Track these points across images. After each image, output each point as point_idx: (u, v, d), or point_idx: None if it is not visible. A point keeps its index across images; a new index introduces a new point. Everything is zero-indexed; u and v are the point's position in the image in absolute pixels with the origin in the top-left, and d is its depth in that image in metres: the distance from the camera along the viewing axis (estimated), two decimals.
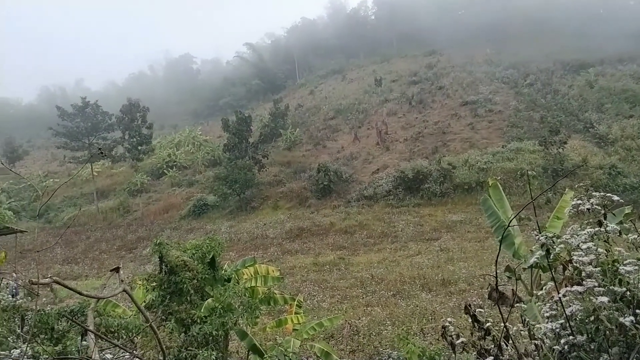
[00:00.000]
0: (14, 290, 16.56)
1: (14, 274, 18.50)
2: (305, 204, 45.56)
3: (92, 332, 2.61)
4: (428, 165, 43.03)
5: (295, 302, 11.94)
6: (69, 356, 2.93)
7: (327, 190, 45.37)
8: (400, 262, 27.14)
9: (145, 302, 10.82)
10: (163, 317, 10.59)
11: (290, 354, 8.84)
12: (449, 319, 3.48)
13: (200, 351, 8.92)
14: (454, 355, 3.34)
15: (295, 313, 11.63)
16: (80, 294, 2.59)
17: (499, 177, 11.07)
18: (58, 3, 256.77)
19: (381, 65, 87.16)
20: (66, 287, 2.55)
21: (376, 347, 14.19)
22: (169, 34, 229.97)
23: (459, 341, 3.29)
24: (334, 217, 40.22)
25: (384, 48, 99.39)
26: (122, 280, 2.98)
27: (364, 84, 77.84)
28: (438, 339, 13.98)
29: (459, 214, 35.99)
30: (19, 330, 8.26)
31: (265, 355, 9.41)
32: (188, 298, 10.65)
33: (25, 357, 3.62)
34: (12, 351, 3.87)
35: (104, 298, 3.36)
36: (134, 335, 7.78)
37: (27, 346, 4.51)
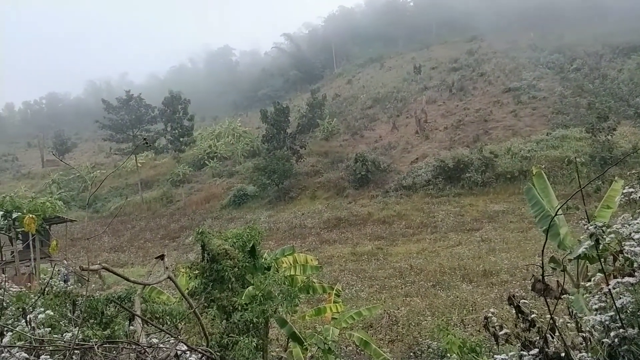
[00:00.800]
0: (65, 277, 17.34)
1: (65, 261, 19.36)
2: (342, 194, 45.54)
3: (138, 316, 2.71)
4: (469, 154, 42.10)
5: (334, 291, 12.01)
6: (118, 339, 3.06)
7: (365, 180, 45.17)
8: (440, 252, 26.80)
9: (188, 289, 11.12)
10: (205, 304, 10.86)
11: (329, 342, 8.90)
12: (491, 310, 3.42)
13: (242, 338, 9.10)
14: (496, 346, 3.27)
15: (334, 302, 11.70)
16: (127, 280, 2.69)
17: (543, 166, 10.71)
18: (102, 1, 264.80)
19: (420, 52, 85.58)
20: (114, 273, 2.65)
21: (415, 338, 14.12)
22: (209, 27, 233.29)
23: (502, 332, 3.22)
24: (371, 207, 40.05)
25: (423, 35, 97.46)
26: (166, 268, 3.06)
27: (403, 71, 76.71)
28: (479, 331, 13.77)
29: (501, 204, 35.14)
30: (70, 315, 8.60)
31: (305, 343, 9.50)
32: (229, 286, 10.88)
33: (76, 340, 3.77)
34: (64, 334, 4.06)
35: (149, 284, 3.47)
36: (178, 321, 8.01)
37: (78, 330, 4.70)
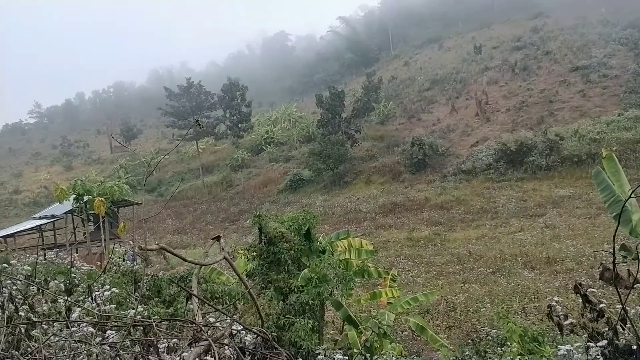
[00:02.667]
0: (132, 257, 18.27)
1: (132, 242, 20.38)
2: (398, 178, 44.97)
3: (195, 296, 2.78)
4: (533, 137, 40.26)
5: (390, 276, 11.93)
6: (175, 317, 3.16)
7: (422, 165, 44.33)
8: (501, 239, 25.97)
9: (246, 270, 11.42)
10: (263, 285, 11.10)
11: (385, 326, 8.85)
12: (555, 298, 3.24)
13: (298, 319, 9.25)
14: (561, 337, 3.10)
15: (390, 287, 11.63)
16: (184, 260, 2.76)
17: (614, 148, 10.03)
18: None
19: (481, 31, 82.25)
20: (172, 253, 2.73)
21: (474, 325, 13.81)
22: (266, 13, 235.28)
23: (567, 322, 3.05)
24: (428, 192, 39.32)
25: (484, 13, 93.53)
26: (222, 249, 3.12)
27: (462, 52, 74.16)
28: (541, 320, 13.27)
29: (566, 189, 33.47)
30: (134, 293, 9.01)
31: (360, 327, 9.51)
32: (285, 268, 11.06)
33: (140, 317, 3.94)
34: (128, 311, 4.26)
35: (205, 265, 3.56)
36: (236, 301, 8.24)
37: (137, 307, 4.91)
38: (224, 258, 3.05)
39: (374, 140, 54.62)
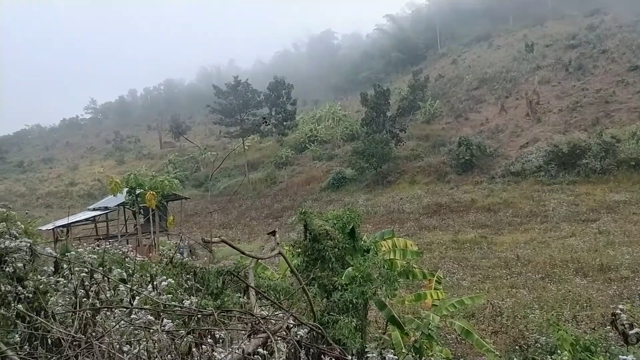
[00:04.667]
0: (180, 249, 18.82)
1: (182, 235, 20.98)
2: (444, 179, 44.22)
3: (253, 288, 2.84)
4: (587, 139, 38.65)
5: (435, 278, 11.76)
6: (233, 309, 3.25)
7: (469, 165, 43.40)
8: (551, 243, 25.09)
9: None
10: (307, 282, 11.20)
11: (430, 328, 8.76)
12: (620, 306, 3.11)
13: (342, 317, 9.28)
14: (625, 346, 2.98)
15: (435, 289, 11.46)
16: (243, 253, 2.83)
17: None
18: None
19: (533, 29, 79.53)
20: (232, 246, 2.80)
21: (521, 331, 13.41)
22: (312, 12, 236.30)
23: (633, 332, 2.93)
24: (475, 193, 38.46)
25: (537, 10, 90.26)
26: (277, 244, 3.18)
27: (513, 50, 72.00)
28: (594, 329, 12.75)
29: (622, 193, 31.95)
30: (185, 284, 9.25)
31: (406, 328, 9.44)
32: (329, 265, 11.10)
33: (195, 306, 4.06)
34: (182, 302, 4.41)
35: (262, 258, 3.64)
36: (281, 296, 8.35)
37: (191, 298, 5.06)
38: (279, 253, 3.10)
39: (419, 140, 53.93)
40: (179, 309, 3.10)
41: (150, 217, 24.38)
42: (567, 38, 66.88)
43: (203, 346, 3.30)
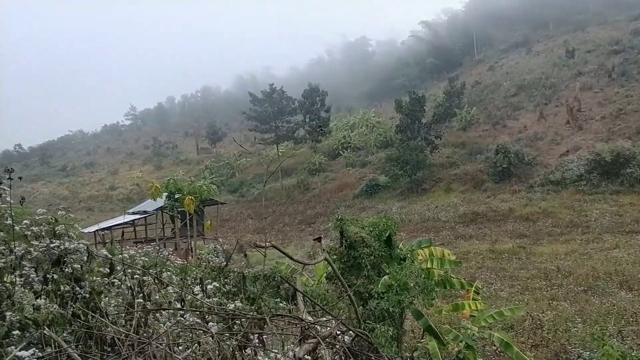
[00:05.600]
0: (216, 253, 19.13)
1: (221, 239, 21.33)
2: (480, 187, 43.41)
3: (302, 293, 2.88)
4: (631, 147, 37.24)
5: (473, 288, 11.55)
6: (284, 314, 3.28)
7: (506, 174, 42.47)
8: (593, 255, 24.26)
9: (326, 273, 11.56)
10: (342, 288, 11.20)
11: (468, 339, 8.60)
12: None
13: (378, 325, 9.22)
14: None
15: (473, 299, 11.26)
16: (291, 258, 2.87)
17: None
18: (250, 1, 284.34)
19: (574, 34, 77.45)
20: (282, 252, 2.85)
21: (563, 345, 13.00)
22: (347, 19, 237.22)
23: None
24: (513, 202, 37.60)
25: (578, 15, 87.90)
26: (323, 250, 3.21)
27: (553, 56, 70.27)
28: None
29: None
30: (223, 289, 9.37)
31: (445, 338, 9.29)
32: (365, 273, 11.05)
33: (239, 310, 4.11)
34: (227, 305, 4.48)
35: (309, 264, 3.68)
36: (316, 302, 8.37)
37: (226, 302, 5.13)
38: (325, 259, 3.13)
39: (455, 147, 53.19)
40: (232, 312, 3.16)
41: (188, 221, 24.88)
42: (610, 43, 64.80)
43: (247, 349, 3.35)
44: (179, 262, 10.38)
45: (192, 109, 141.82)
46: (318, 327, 3.09)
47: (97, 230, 25.51)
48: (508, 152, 42.58)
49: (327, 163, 62.45)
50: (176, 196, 20.70)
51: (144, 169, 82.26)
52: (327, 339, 2.55)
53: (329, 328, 2.76)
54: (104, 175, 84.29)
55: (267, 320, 2.78)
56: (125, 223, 29.28)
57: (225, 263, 10.79)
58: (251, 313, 3.63)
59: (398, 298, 10.08)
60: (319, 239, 3.45)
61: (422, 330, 11.45)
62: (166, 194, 21.11)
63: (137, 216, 29.19)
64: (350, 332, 3.20)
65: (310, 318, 3.46)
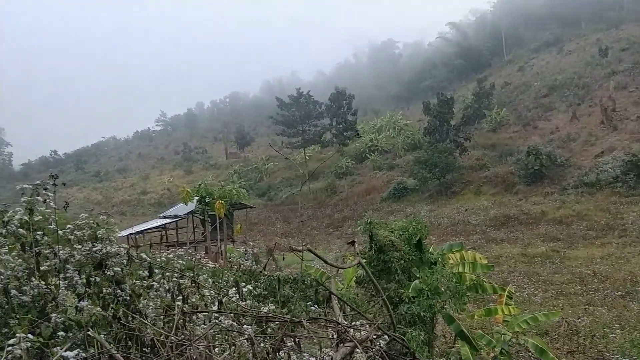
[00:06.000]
0: (246, 257, 19.28)
1: (252, 243, 21.54)
2: (511, 190, 42.61)
3: (337, 297, 2.89)
4: None
5: (506, 293, 11.35)
6: (320, 317, 3.30)
7: (538, 176, 41.56)
8: (631, 259, 23.51)
9: (355, 277, 11.54)
10: (373, 293, 11.15)
11: (503, 344, 8.45)
12: None
13: (409, 330, 9.15)
14: None
15: (506, 304, 11.06)
16: (326, 262, 2.90)
17: None
18: (277, 8, 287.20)
19: (607, 32, 75.27)
20: (317, 255, 2.87)
21: (601, 351, 12.62)
22: (373, 22, 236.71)
23: None
24: (545, 205, 36.76)
25: (611, 12, 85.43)
26: (357, 254, 3.22)
27: (586, 55, 68.50)
28: None
29: None
30: (254, 292, 9.46)
31: (479, 343, 9.16)
32: (395, 277, 10.98)
33: (265, 312, 4.16)
34: (261, 307, 4.53)
35: (343, 267, 3.69)
36: (353, 307, 8.36)
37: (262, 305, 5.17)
38: (359, 263, 3.14)
39: (484, 149, 52.38)
40: (269, 315, 3.20)
41: (217, 225, 25.20)
42: None
43: (281, 352, 3.39)
44: (211, 265, 10.54)
45: (221, 114, 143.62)
46: (351, 331, 3.10)
47: (130, 234, 26.11)
48: (540, 153, 41.69)
49: (354, 166, 62.32)
50: (207, 200, 21.04)
51: (174, 174, 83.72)
52: (363, 343, 2.56)
53: (363, 332, 2.77)
54: (135, 180, 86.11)
55: (304, 323, 2.81)
56: (157, 227, 29.85)
57: (263, 267, 10.84)
58: (287, 316, 3.67)
59: (429, 302, 9.98)
60: (352, 243, 3.46)
61: (453, 335, 11.31)
62: (197, 198, 21.48)
63: (169, 220, 29.72)
64: (385, 336, 3.19)
65: (344, 322, 3.47)
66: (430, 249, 11.95)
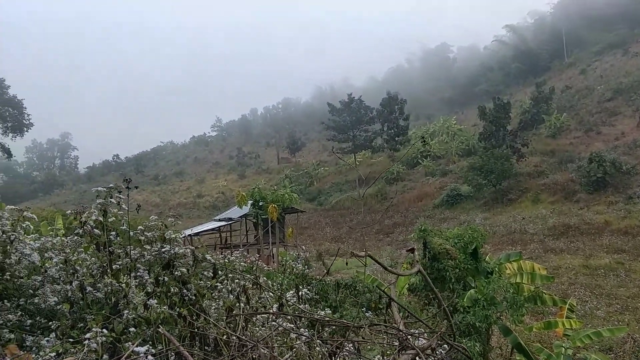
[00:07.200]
0: (298, 260, 19.48)
1: (304, 247, 21.76)
2: (572, 198, 40.74)
3: (397, 303, 2.90)
4: None
5: (567, 306, 10.88)
6: (381, 323, 3.31)
7: (601, 184, 39.53)
8: None
9: (408, 284, 11.40)
10: (426, 301, 10.99)
11: (566, 359, 8.11)
12: None
13: (464, 340, 8.94)
14: None
15: (567, 317, 10.60)
16: (385, 269, 2.91)
17: None
18: (329, 15, 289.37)
19: None
20: (377, 262, 2.89)
21: None
22: (427, 26, 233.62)
23: None
24: (609, 214, 34.89)
25: None
26: (416, 261, 3.21)
27: None
28: None
29: None
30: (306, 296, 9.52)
31: (538, 357, 8.84)
32: (450, 286, 10.78)
33: (322, 316, 4.19)
34: (318, 311, 4.58)
35: (403, 275, 3.68)
36: (414, 314, 8.28)
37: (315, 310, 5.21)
38: (419, 271, 3.13)
39: (543, 155, 50.45)
40: (328, 318, 3.25)
41: (269, 228, 25.63)
42: None
43: (337, 357, 3.42)
44: (265, 268, 10.75)
45: (274, 120, 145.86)
46: (409, 338, 3.09)
47: (187, 235, 26.99)
48: (603, 160, 39.65)
49: (406, 172, 61.60)
50: (260, 204, 21.47)
51: (229, 178, 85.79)
52: (425, 351, 2.55)
53: (422, 340, 2.76)
54: (191, 183, 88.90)
55: (366, 328, 2.84)
56: (212, 229, 30.71)
57: (327, 271, 10.88)
58: (345, 320, 3.70)
59: (485, 313, 9.74)
60: (411, 250, 3.46)
61: (510, 347, 10.95)
62: (251, 201, 21.95)
63: (223, 223, 30.49)
64: (444, 345, 3.16)
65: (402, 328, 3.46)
66: (487, 258, 11.65)
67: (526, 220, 37.93)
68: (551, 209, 39.55)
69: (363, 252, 2.85)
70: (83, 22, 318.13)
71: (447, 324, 9.92)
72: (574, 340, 9.92)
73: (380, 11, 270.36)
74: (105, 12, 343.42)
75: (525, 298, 10.70)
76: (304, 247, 17.35)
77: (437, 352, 2.73)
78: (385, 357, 2.79)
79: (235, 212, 28.68)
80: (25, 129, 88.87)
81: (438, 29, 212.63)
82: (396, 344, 2.93)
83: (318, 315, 3.47)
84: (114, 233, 3.71)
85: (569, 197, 41.15)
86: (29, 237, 4.25)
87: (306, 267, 12.41)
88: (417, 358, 2.44)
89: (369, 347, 3.62)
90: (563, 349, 9.06)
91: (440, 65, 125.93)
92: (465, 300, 9.90)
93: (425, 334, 3.31)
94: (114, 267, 3.70)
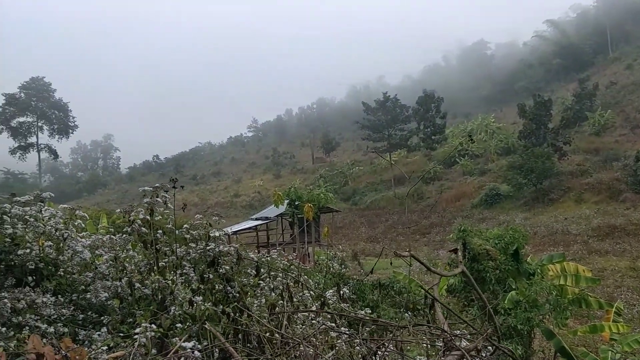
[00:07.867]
0: (335, 260, 19.50)
1: (340, 247, 21.79)
2: (617, 198, 39.26)
3: (441, 304, 2.88)
4: None
5: (614, 309, 10.50)
6: (424, 324, 3.30)
7: None
8: None
9: (447, 285, 11.25)
10: (465, 302, 10.82)
11: None
12: None
13: (505, 343, 8.76)
14: None
15: (614, 321, 10.23)
16: (428, 269, 2.90)
17: None
18: (366, 14, 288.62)
19: None
20: (420, 262, 2.89)
21: None
22: (464, 23, 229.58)
23: None
24: None
25: None
26: (460, 262, 3.17)
27: None
28: None
29: None
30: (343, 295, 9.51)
31: None
32: (490, 287, 10.58)
33: (362, 316, 4.20)
34: (357, 311, 4.59)
35: (446, 275, 3.66)
36: (460, 316, 8.19)
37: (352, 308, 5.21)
38: (462, 272, 3.10)
39: (586, 154, 48.79)
40: (371, 318, 3.26)
41: (305, 227, 25.79)
42: None
43: (377, 356, 3.42)
44: (303, 267, 10.82)
45: (308, 120, 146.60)
46: (450, 338, 3.06)
47: (225, 234, 27.45)
48: None
49: (443, 171, 60.71)
50: (296, 203, 21.64)
51: (265, 178, 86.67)
52: (471, 353, 2.53)
53: (465, 342, 2.73)
54: (229, 183, 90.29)
55: (410, 328, 2.84)
56: (249, 228, 31.14)
57: (370, 271, 10.92)
58: (396, 321, 3.70)
59: (527, 315, 9.52)
60: (455, 251, 3.42)
61: (553, 351, 10.65)
62: (287, 201, 22.15)
63: (260, 222, 30.88)
64: (489, 347, 3.12)
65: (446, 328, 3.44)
66: (528, 260, 11.38)
67: (569, 221, 36.79)
68: (595, 209, 38.22)
69: (406, 252, 2.84)
70: (121, 21, 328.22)
71: (485, 325, 9.77)
72: (622, 345, 9.57)
73: (415, 9, 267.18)
74: (146, 13, 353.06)
75: (569, 301, 10.40)
76: (340, 247, 17.38)
77: (481, 354, 2.70)
78: (429, 358, 2.78)
79: (271, 211, 28.99)
80: (70, 130, 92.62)
81: (475, 25, 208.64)
82: (439, 344, 2.92)
83: (356, 314, 3.48)
84: (160, 231, 3.83)
85: (614, 196, 39.68)
86: (80, 234, 4.43)
87: (342, 266, 12.40)
88: (462, 359, 2.42)
89: (408, 347, 3.61)
90: (611, 353, 8.75)
91: (478, 62, 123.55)
92: (506, 302, 9.71)
93: (468, 335, 3.28)
94: (160, 264, 3.83)
